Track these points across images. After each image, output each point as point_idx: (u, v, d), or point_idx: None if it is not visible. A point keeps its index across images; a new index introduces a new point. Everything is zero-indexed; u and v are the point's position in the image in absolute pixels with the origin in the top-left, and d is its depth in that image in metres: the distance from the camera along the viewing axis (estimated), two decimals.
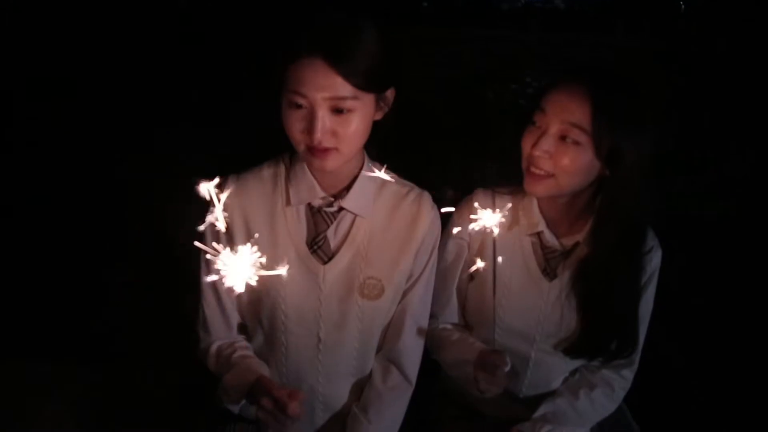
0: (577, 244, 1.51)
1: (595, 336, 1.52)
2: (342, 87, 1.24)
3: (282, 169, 1.47)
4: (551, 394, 1.60)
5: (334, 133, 1.28)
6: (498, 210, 1.52)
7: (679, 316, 1.85)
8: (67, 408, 1.75)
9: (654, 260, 1.52)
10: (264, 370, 1.44)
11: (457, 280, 1.62)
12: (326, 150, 1.30)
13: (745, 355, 2.08)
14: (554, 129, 1.38)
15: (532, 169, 1.42)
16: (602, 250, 1.46)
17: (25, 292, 1.98)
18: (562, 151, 1.38)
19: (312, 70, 1.23)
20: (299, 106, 1.27)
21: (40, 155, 1.86)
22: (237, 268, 1.04)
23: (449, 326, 1.65)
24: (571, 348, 1.55)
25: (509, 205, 1.55)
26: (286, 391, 1.26)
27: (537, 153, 1.39)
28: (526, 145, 1.43)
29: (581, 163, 1.38)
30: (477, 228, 1.52)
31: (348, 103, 1.26)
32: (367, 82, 1.27)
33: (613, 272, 1.48)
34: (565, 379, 1.63)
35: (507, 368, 1.39)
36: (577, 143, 1.36)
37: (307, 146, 1.31)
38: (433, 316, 1.61)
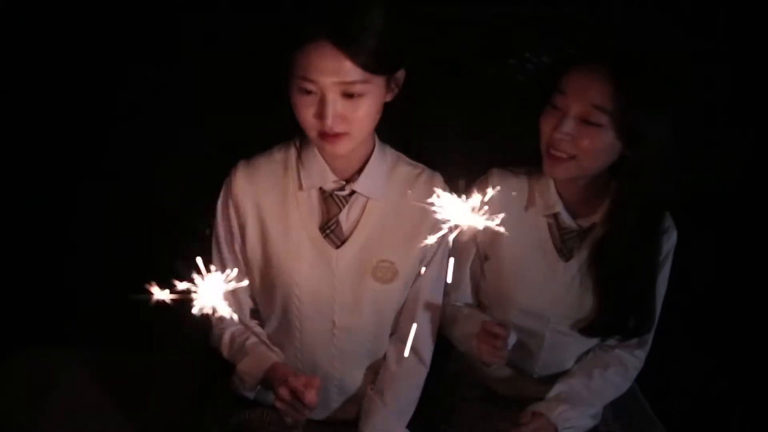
0: (594, 225, 1.51)
1: (610, 316, 1.52)
2: (352, 71, 1.22)
3: (293, 153, 1.46)
4: (565, 374, 1.61)
5: (345, 118, 1.27)
6: (514, 190, 1.54)
7: (691, 299, 1.85)
8: (77, 396, 1.75)
9: (670, 241, 1.52)
10: (278, 357, 1.44)
11: (470, 260, 1.61)
12: (338, 135, 1.29)
13: (755, 338, 2.08)
14: (575, 111, 1.35)
15: (552, 151, 1.40)
16: (620, 231, 1.46)
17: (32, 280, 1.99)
18: (584, 133, 1.35)
19: (320, 55, 1.20)
20: (309, 92, 1.25)
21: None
22: (208, 290, 1.01)
23: (461, 303, 1.65)
24: (586, 328, 1.55)
25: (525, 185, 1.54)
26: (303, 380, 1.27)
27: (558, 136, 1.36)
28: (546, 127, 1.40)
29: (603, 145, 1.36)
30: (492, 206, 1.54)
31: (358, 87, 1.24)
32: (377, 64, 1.24)
33: (630, 253, 1.47)
34: (579, 359, 1.63)
35: (510, 338, 1.40)
36: (599, 125, 1.34)
37: (319, 131, 1.29)
38: (445, 294, 1.60)
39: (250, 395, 1.47)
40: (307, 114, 1.28)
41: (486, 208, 1.47)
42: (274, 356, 1.43)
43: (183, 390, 1.84)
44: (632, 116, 1.32)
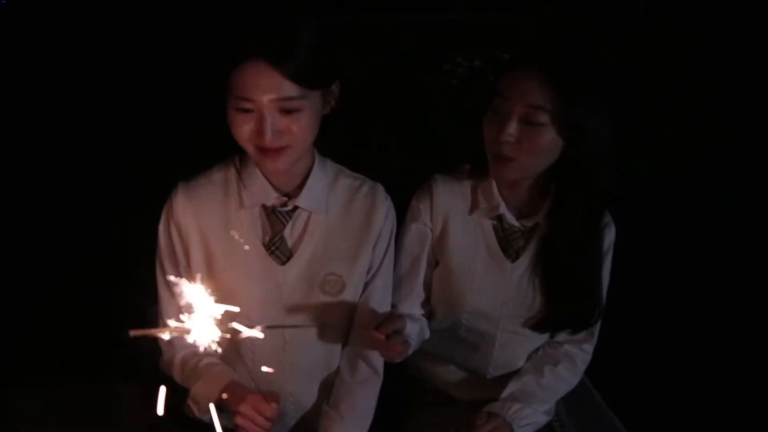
0: (537, 224, 1.54)
1: (558, 312, 1.56)
2: (288, 87, 1.23)
3: (232, 172, 1.45)
4: (517, 373, 1.64)
5: (284, 133, 1.28)
6: (457, 195, 1.57)
7: (634, 290, 1.91)
8: None
9: (609, 236, 1.57)
10: (233, 376, 1.43)
11: (423, 268, 1.63)
12: (278, 149, 1.29)
13: (698, 320, 2.17)
14: (517, 113, 1.39)
15: (498, 154, 1.43)
16: (562, 229, 1.50)
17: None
18: (526, 134, 1.39)
19: (255, 74, 1.22)
20: (247, 110, 1.25)
21: None
22: (203, 326, 1.02)
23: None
24: (536, 324, 1.59)
25: (468, 189, 1.57)
26: (262, 395, 1.27)
27: (503, 138, 1.40)
28: (490, 132, 1.44)
29: (545, 144, 1.40)
30: (438, 214, 1.57)
31: (295, 103, 1.25)
32: (312, 79, 1.26)
33: (574, 249, 1.51)
34: (529, 357, 1.66)
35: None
36: (540, 124, 1.38)
37: (258, 148, 1.29)
38: (393, 305, 1.61)
39: (205, 418, 1.44)
40: (244, 131, 1.28)
41: (432, 213, 1.51)
42: (228, 376, 1.42)
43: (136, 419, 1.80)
44: (570, 113, 1.37)
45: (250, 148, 1.31)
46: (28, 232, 1.89)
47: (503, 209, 1.54)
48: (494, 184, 1.53)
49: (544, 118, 1.37)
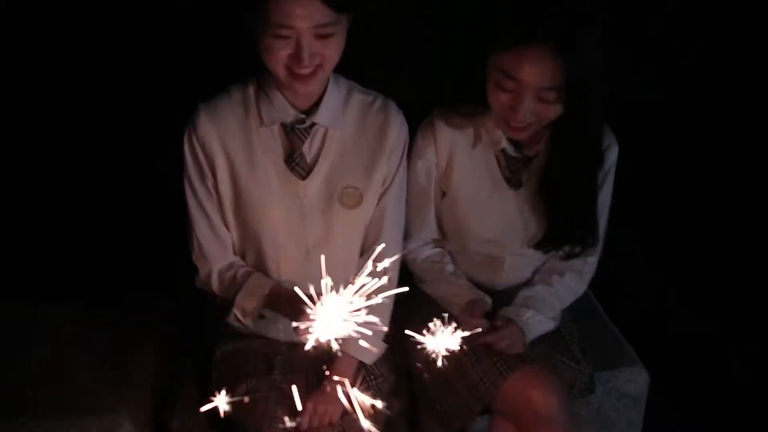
0: (538, 153, 1.61)
1: (560, 232, 1.64)
2: (327, 13, 1.30)
3: (251, 91, 1.51)
4: (526, 283, 1.73)
5: (317, 56, 1.35)
6: (460, 129, 1.63)
7: (635, 206, 1.97)
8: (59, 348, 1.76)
9: (611, 157, 1.63)
10: (272, 282, 1.51)
11: (432, 200, 1.70)
12: (311, 72, 1.37)
13: (699, 235, 2.22)
14: (528, 95, 1.41)
15: (513, 123, 1.48)
16: (563, 154, 1.56)
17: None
18: (541, 107, 1.44)
19: (294, 2, 1.28)
20: (284, 37, 1.32)
21: None
22: (327, 320, 0.99)
23: (430, 255, 1.73)
24: (540, 244, 1.66)
25: (470, 123, 1.62)
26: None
27: (520, 117, 1.44)
28: (501, 105, 1.46)
29: (558, 109, 1.44)
30: (442, 149, 1.63)
31: (329, 29, 1.33)
32: (344, 4, 1.33)
33: (574, 172, 1.57)
34: (536, 270, 1.75)
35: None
36: (553, 100, 1.42)
37: (290, 72, 1.36)
38: (408, 237, 1.70)
39: (250, 325, 1.52)
40: (281, 57, 1.35)
41: (436, 146, 1.57)
42: (270, 282, 1.50)
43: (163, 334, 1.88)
44: (580, 77, 1.39)
45: (282, 72, 1.37)
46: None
47: (504, 143, 1.60)
48: (494, 120, 1.58)
49: (554, 95, 1.41)
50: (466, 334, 1.06)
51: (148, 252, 1.92)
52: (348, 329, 0.98)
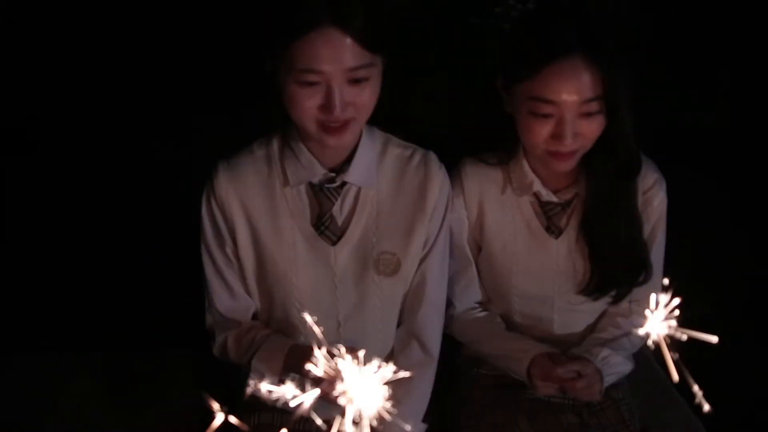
0: (575, 195, 1.48)
1: (606, 274, 1.48)
2: (360, 55, 1.16)
3: (275, 148, 1.37)
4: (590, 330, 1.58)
5: (349, 105, 1.20)
6: (488, 177, 1.52)
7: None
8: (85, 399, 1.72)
9: (658, 197, 1.49)
10: (292, 341, 1.36)
11: (472, 259, 1.58)
12: (343, 124, 1.22)
13: None
14: (573, 113, 1.31)
15: (557, 151, 1.36)
16: (602, 191, 1.43)
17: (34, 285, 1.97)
18: (584, 125, 1.33)
19: (325, 42, 1.14)
20: (312, 84, 1.17)
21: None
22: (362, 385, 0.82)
23: (482, 316, 1.61)
24: (585, 290, 1.51)
25: (499, 170, 1.52)
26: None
27: (567, 141, 1.32)
28: (541, 137, 1.35)
29: (600, 126, 1.34)
30: (471, 199, 1.53)
31: (363, 72, 1.18)
32: (378, 42, 1.19)
33: (616, 209, 1.44)
34: (592, 330, 1.58)
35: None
36: (596, 113, 1.32)
37: (321, 124, 1.22)
38: (450, 304, 1.57)
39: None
40: (309, 107, 1.20)
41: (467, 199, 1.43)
42: (288, 341, 1.36)
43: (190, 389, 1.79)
44: (617, 85, 1.31)
45: (311, 126, 1.23)
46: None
47: (538, 186, 1.48)
48: (525, 163, 1.48)
49: (597, 105, 1.31)
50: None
51: (177, 304, 1.84)
52: (380, 402, 0.81)
